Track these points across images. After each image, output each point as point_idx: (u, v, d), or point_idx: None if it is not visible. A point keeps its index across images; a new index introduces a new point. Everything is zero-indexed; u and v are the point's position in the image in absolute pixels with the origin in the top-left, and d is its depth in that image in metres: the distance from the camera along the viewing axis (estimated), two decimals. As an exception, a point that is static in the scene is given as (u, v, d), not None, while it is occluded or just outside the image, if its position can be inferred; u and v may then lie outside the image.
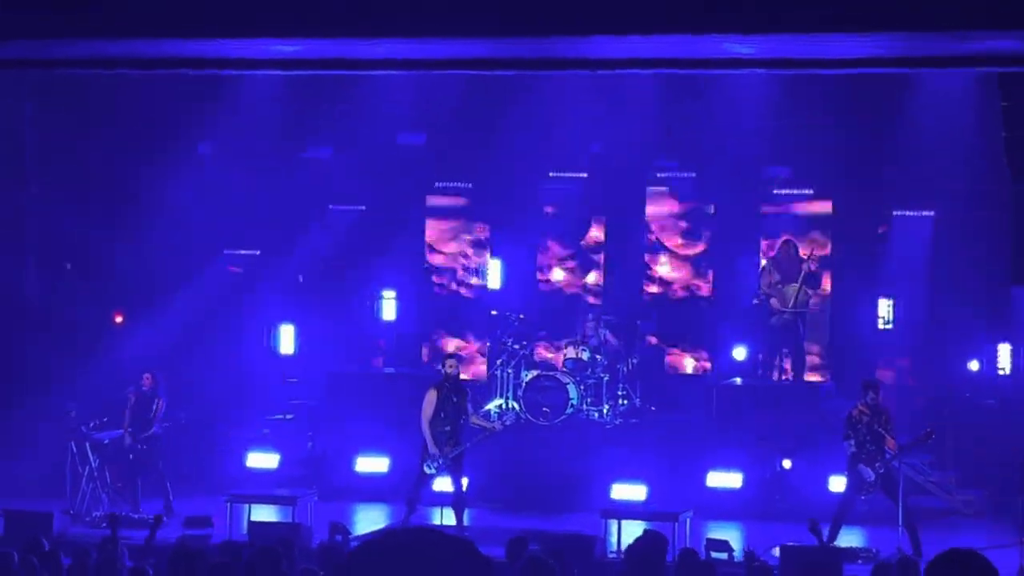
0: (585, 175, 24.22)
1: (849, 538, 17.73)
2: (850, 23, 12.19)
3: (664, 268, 24.00)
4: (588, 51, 13.87)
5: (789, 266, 21.85)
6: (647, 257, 24.03)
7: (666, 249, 23.98)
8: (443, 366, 18.94)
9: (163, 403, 19.77)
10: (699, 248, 23.93)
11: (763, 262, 22.70)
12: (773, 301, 21.74)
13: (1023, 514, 16.85)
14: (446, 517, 18.07)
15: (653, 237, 24.03)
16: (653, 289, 23.99)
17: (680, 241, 23.98)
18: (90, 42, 13.57)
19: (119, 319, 24.18)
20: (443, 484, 18.63)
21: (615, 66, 14.99)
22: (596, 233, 24.31)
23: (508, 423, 19.09)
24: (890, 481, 17.43)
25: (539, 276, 24.35)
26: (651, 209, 24.08)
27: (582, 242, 24.30)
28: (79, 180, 22.98)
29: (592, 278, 24.28)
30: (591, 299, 24.08)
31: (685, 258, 23.96)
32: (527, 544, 13.09)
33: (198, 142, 23.22)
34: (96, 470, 19.57)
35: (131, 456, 19.64)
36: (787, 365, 22.10)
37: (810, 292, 21.96)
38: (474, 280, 24.53)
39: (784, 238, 22.48)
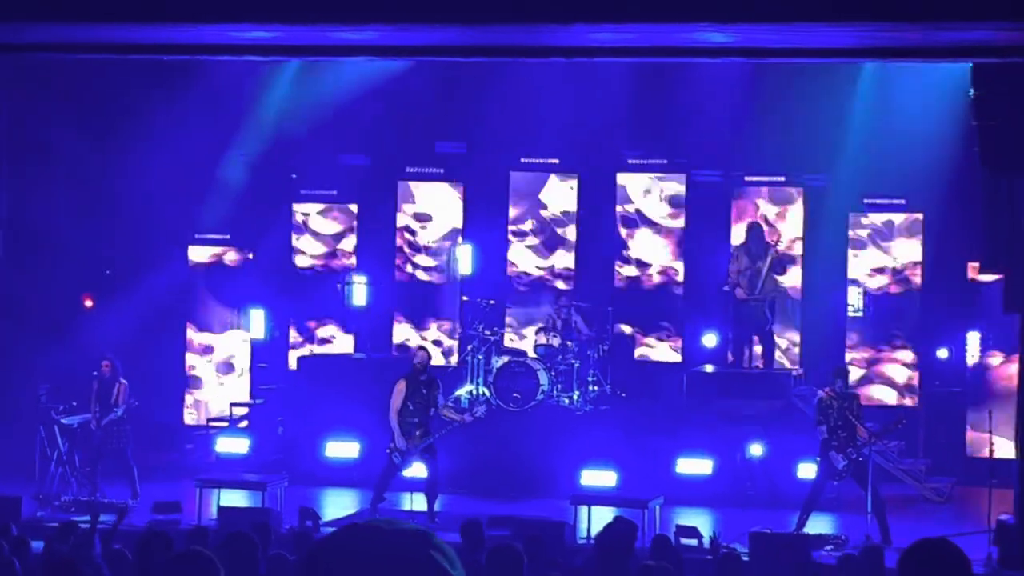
0: (557, 161, 24.24)
1: (818, 525, 17.78)
2: (825, 13, 12.22)
3: (641, 244, 23.93)
4: (566, 39, 13.86)
5: (757, 251, 21.84)
6: (625, 232, 23.99)
7: (648, 222, 23.91)
8: (413, 358, 18.96)
9: (124, 386, 19.68)
10: (679, 222, 23.89)
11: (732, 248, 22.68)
12: (739, 291, 21.73)
13: (991, 501, 16.95)
14: (416, 503, 18.07)
15: (632, 209, 23.98)
16: (627, 272, 23.97)
17: (662, 214, 23.95)
18: (64, 27, 13.50)
19: (88, 303, 24.12)
20: (415, 470, 18.63)
21: (593, 54, 15.00)
22: (566, 215, 24.33)
23: (479, 415, 19.06)
24: (860, 468, 17.50)
25: (509, 264, 24.34)
26: (626, 191, 24.09)
27: (556, 229, 24.31)
28: (48, 163, 22.90)
29: (560, 261, 24.26)
30: (560, 284, 24.08)
31: (667, 232, 23.89)
32: (482, 527, 13.12)
33: (168, 126, 23.10)
34: (65, 454, 19.50)
35: (96, 441, 19.57)
36: (757, 352, 22.13)
37: (777, 278, 21.96)
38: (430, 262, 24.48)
39: (750, 221, 22.43)
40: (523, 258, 24.38)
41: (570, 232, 24.33)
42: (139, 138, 22.88)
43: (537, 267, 24.34)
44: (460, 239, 24.39)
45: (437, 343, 24.15)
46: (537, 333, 22.27)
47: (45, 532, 13.16)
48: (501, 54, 15.76)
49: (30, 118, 22.78)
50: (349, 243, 24.66)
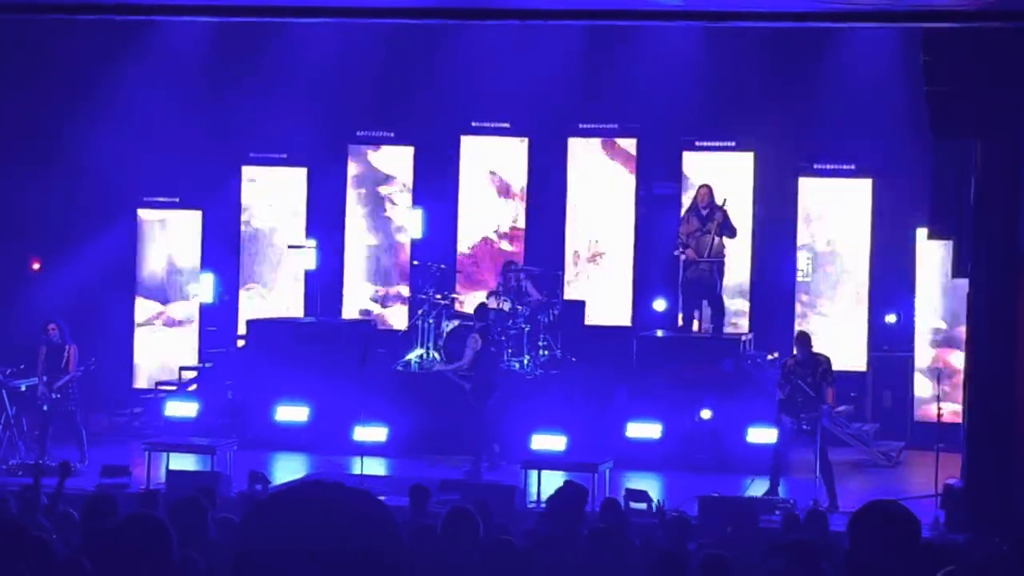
0: (508, 125, 24.18)
1: (763, 487, 17.83)
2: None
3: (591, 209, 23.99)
4: (520, 1, 13.79)
5: (706, 214, 21.81)
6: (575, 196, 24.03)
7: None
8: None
9: (74, 350, 19.54)
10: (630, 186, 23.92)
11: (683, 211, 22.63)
12: (688, 251, 21.69)
13: (938, 466, 17.07)
14: (368, 466, 18.07)
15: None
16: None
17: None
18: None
19: (36, 265, 23.95)
20: (367, 434, 18.62)
21: (546, 16, 14.93)
22: (517, 189, 24.31)
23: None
24: (810, 434, 17.59)
25: (460, 227, 24.30)
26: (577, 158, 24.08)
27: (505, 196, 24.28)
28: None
29: (509, 221, 24.23)
30: (510, 246, 24.04)
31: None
32: (429, 492, 13.13)
33: (118, 87, 22.92)
34: (12, 418, 19.37)
35: (45, 406, 19.41)
36: (706, 316, 22.15)
37: (723, 241, 21.86)
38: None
39: (700, 185, 22.28)
40: (474, 221, 24.34)
41: (520, 195, 24.30)
42: (87, 99, 22.71)
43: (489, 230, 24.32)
44: (410, 203, 24.33)
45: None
46: (487, 297, 22.23)
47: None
48: (454, 16, 15.67)
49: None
50: (300, 207, 24.55)
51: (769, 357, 21.15)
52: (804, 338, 18.33)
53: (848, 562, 4.91)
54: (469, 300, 22.78)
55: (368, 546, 3.21)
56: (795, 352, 18.09)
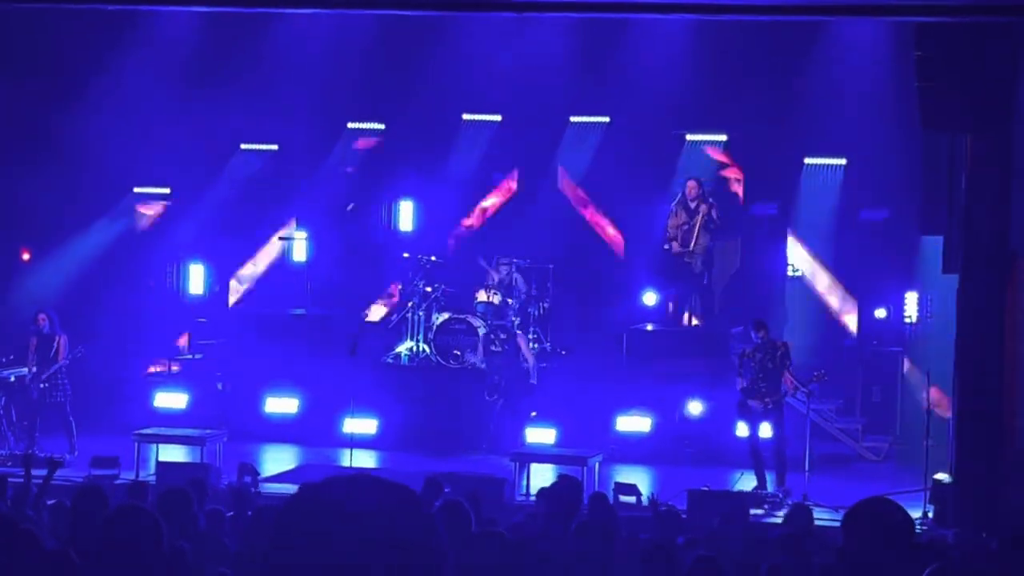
0: (500, 118, 24.14)
1: (753, 482, 17.84)
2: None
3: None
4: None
5: (695, 207, 21.82)
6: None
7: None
8: None
9: (64, 339, 19.50)
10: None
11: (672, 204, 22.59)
12: (675, 244, 21.71)
13: (927, 461, 17.07)
14: (356, 459, 18.06)
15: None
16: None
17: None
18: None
19: (26, 256, 23.91)
20: (357, 426, 18.62)
21: (541, 9, 14.91)
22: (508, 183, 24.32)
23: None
24: (779, 418, 17.76)
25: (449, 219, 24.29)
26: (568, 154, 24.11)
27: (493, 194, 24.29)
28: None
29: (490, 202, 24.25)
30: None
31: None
32: (442, 486, 13.11)
33: (108, 78, 22.85)
34: (2, 408, 19.33)
35: (35, 396, 19.38)
36: (695, 310, 22.17)
37: (707, 236, 21.86)
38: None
39: (689, 178, 22.26)
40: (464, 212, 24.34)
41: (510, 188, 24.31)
42: (79, 90, 22.62)
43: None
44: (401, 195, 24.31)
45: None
46: (477, 291, 22.20)
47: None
48: (449, 7, 15.65)
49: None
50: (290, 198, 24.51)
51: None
52: (762, 325, 18.41)
53: (841, 558, 4.92)
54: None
55: (407, 549, 3.16)
56: (757, 338, 18.15)
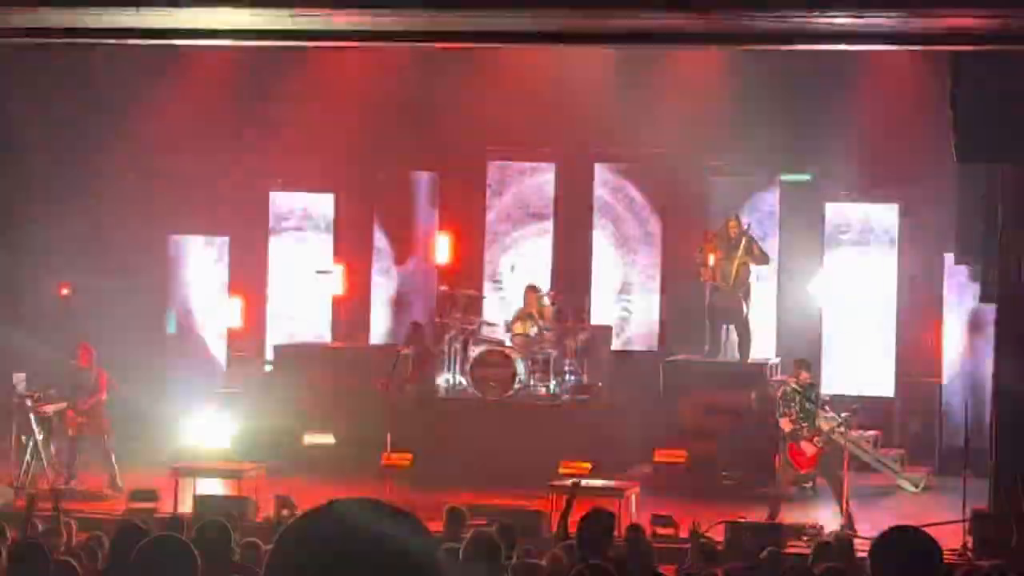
0: (534, 152, 24.19)
1: (794, 515, 17.81)
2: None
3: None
4: (546, 24, 13.83)
5: (732, 241, 21.83)
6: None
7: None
8: None
9: (103, 373, 19.61)
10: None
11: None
12: (704, 271, 21.74)
13: (966, 491, 17.00)
14: (393, 492, 18.06)
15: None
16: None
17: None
18: (34, 12, 13.44)
19: (65, 291, 24.05)
20: (394, 460, 18.61)
21: (574, 40, 14.97)
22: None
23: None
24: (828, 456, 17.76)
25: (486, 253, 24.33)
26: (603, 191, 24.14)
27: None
28: (19, 150, 22.72)
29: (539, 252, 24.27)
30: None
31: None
32: (465, 515, 13.13)
33: (146, 117, 22.98)
34: (40, 442, 19.42)
35: (72, 429, 19.49)
36: (734, 342, 22.15)
37: (751, 267, 21.86)
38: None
39: (730, 219, 22.26)
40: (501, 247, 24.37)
41: (548, 222, 24.34)
42: (116, 128, 22.78)
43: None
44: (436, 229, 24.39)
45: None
46: (514, 323, 22.22)
47: (18, 521, 13.09)
48: (485, 39, 15.73)
49: (6, 105, 22.64)
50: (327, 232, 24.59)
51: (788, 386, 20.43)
52: (808, 364, 18.43)
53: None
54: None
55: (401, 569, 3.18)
56: (799, 377, 18.11)
